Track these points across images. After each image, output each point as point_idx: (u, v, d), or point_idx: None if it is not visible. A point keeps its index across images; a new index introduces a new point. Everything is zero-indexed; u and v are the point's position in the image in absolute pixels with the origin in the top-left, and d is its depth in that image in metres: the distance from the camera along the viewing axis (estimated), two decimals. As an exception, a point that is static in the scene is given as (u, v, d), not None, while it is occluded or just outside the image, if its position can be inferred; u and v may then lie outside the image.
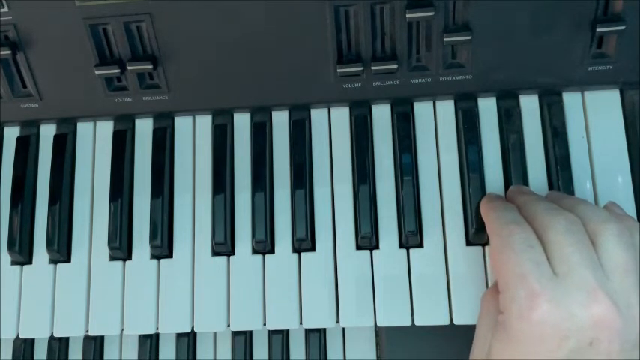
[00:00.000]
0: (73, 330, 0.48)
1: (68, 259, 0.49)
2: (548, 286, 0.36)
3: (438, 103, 0.49)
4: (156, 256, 0.48)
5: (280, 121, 0.50)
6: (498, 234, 0.40)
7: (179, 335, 0.51)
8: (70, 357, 0.52)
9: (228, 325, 0.47)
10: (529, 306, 0.36)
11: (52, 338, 0.52)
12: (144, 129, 0.51)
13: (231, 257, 0.48)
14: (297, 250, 0.48)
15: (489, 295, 0.41)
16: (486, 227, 0.43)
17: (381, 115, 0.49)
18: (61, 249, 0.49)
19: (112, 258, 0.49)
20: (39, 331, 0.48)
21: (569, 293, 0.35)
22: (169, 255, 0.48)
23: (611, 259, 0.37)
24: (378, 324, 0.46)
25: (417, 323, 0.45)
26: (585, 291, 0.35)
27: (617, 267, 0.36)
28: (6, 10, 0.46)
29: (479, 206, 0.45)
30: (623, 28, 0.43)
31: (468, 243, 0.46)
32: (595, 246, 0.37)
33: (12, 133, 0.52)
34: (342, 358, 0.52)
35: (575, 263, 0.36)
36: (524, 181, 0.46)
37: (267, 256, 0.48)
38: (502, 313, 0.38)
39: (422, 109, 0.49)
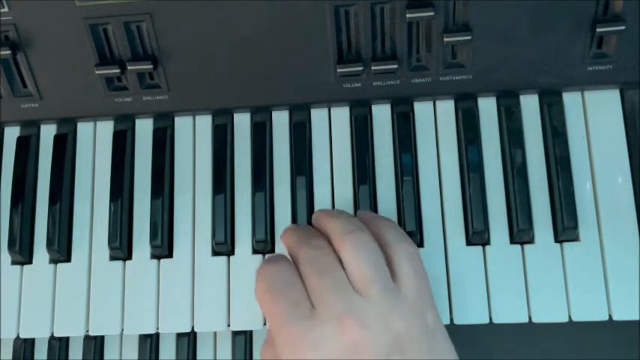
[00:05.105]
0: (73, 330, 0.48)
1: (68, 259, 0.49)
2: (304, 328, 0.36)
3: (438, 103, 0.49)
4: (156, 256, 0.48)
5: (280, 121, 0.50)
6: (259, 277, 0.41)
7: (179, 335, 0.51)
8: (70, 357, 0.52)
9: (228, 325, 0.47)
10: (292, 353, 0.36)
11: (52, 338, 0.52)
12: (144, 129, 0.51)
13: (231, 257, 0.48)
14: (297, 250, 0.48)
15: (265, 350, 0.41)
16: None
17: (381, 115, 0.49)
18: (61, 249, 0.49)
19: (112, 258, 0.49)
20: (39, 331, 0.48)
21: (321, 328, 0.36)
22: (169, 255, 0.48)
23: (354, 272, 0.37)
24: (378, 324, 0.46)
25: (417, 323, 0.45)
26: (335, 319, 0.36)
27: (361, 279, 0.37)
28: (6, 10, 0.46)
29: (479, 206, 0.45)
30: (623, 28, 0.43)
31: (468, 243, 0.46)
32: (342, 261, 0.38)
33: (12, 133, 0.52)
34: (341, 358, 0.52)
35: (322, 291, 0.37)
36: (525, 180, 0.46)
37: (267, 255, 0.48)
38: None
39: (422, 109, 0.49)
